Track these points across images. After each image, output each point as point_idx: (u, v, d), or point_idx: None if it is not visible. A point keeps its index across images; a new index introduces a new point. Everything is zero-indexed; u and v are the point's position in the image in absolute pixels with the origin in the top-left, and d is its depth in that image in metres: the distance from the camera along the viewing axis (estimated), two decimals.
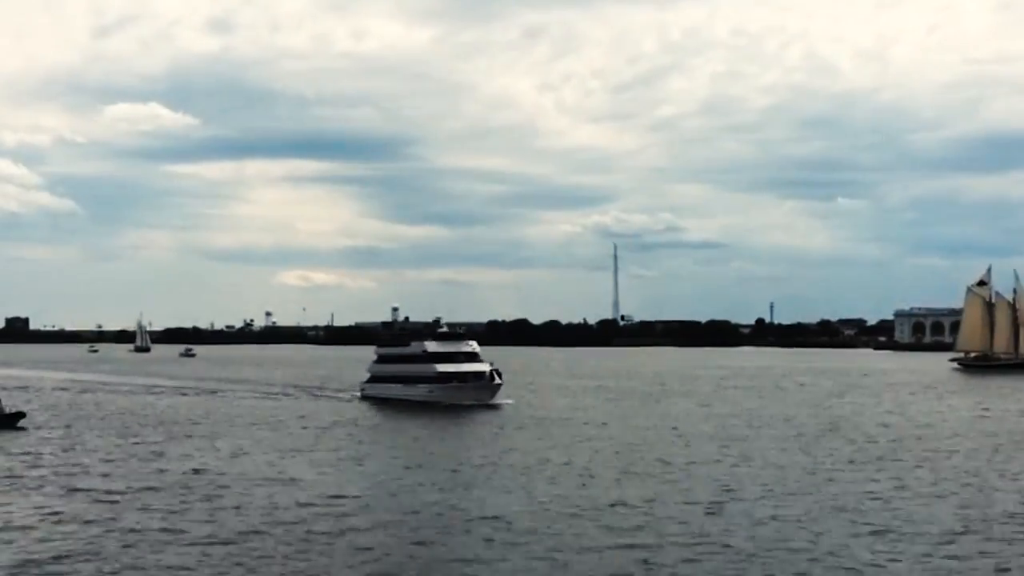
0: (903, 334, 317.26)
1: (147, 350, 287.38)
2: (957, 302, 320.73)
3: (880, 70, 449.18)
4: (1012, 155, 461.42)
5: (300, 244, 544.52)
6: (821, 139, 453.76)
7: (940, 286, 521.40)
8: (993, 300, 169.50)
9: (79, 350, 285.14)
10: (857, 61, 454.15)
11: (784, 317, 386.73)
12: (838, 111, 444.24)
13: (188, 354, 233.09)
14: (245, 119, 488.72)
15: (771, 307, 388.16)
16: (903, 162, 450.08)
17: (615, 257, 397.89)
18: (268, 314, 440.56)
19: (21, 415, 64.51)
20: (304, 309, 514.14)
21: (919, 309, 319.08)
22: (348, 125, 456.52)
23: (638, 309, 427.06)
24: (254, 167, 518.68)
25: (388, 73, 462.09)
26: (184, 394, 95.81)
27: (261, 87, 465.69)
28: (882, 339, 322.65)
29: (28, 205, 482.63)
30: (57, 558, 27.54)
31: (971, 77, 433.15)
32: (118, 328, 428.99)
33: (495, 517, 32.74)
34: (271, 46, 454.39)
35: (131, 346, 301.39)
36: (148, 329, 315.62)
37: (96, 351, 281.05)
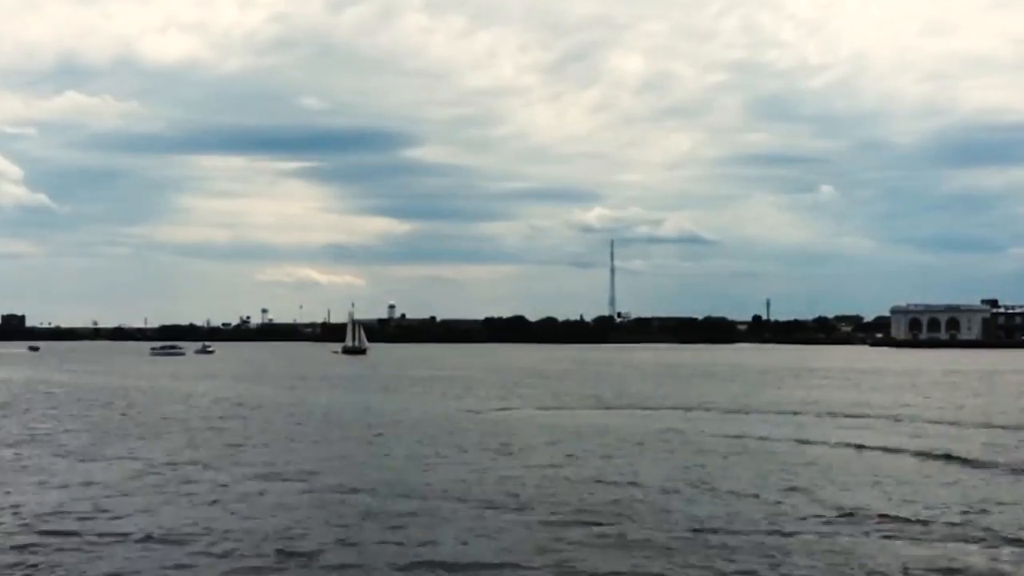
0: (900, 331, 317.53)
1: (363, 352, 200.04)
2: (952, 298, 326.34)
3: (824, 43, 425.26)
4: (983, 148, 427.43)
5: (267, 240, 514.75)
6: (773, 124, 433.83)
7: (929, 282, 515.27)
8: None
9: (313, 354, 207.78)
10: (799, 32, 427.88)
11: (779, 314, 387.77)
12: (787, 92, 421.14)
13: (206, 351, 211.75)
14: (169, 107, 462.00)
15: (767, 304, 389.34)
16: (864, 151, 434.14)
17: (612, 254, 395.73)
18: (264, 311, 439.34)
19: None
20: (301, 307, 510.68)
21: (916, 306, 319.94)
22: (289, 116, 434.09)
23: (626, 305, 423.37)
24: (196, 160, 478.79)
25: (294, 48, 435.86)
26: None
27: (166, 66, 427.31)
28: (879, 336, 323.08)
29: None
30: None
31: (920, 51, 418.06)
32: (114, 325, 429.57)
33: None
34: (152, 14, 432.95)
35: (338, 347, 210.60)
36: (141, 327, 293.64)
37: (363, 351, 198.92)
